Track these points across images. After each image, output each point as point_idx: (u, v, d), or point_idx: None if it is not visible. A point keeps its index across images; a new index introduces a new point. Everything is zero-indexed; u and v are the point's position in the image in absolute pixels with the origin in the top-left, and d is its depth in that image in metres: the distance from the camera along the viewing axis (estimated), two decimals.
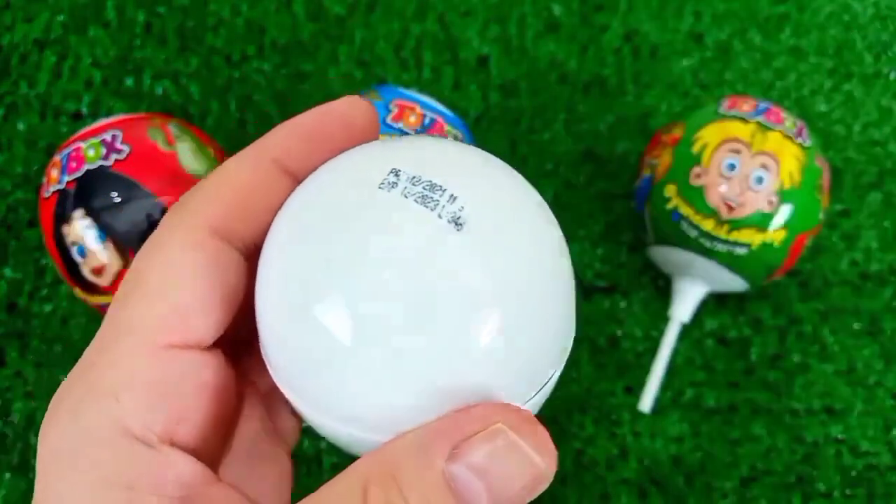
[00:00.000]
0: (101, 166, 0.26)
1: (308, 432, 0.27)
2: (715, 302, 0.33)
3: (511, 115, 0.36)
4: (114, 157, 0.27)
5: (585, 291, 0.33)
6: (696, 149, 0.29)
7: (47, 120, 0.35)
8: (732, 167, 0.28)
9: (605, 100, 0.36)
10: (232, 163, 0.17)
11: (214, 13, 0.36)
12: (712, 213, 0.28)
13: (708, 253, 0.29)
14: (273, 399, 0.20)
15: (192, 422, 0.15)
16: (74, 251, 0.27)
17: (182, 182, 0.27)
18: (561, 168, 0.35)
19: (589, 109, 0.36)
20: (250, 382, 0.19)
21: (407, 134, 0.28)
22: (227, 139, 0.35)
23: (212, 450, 0.16)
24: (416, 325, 0.14)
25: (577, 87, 0.36)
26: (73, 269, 0.27)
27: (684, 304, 0.31)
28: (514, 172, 0.16)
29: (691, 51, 0.37)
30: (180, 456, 0.15)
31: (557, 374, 0.16)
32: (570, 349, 0.17)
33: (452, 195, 0.15)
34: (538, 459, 0.14)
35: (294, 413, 0.18)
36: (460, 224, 0.14)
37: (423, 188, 0.15)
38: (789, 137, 0.28)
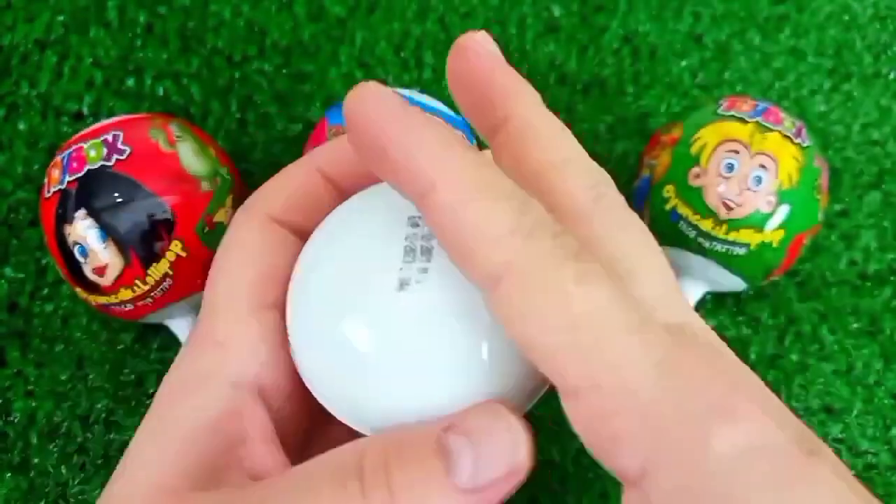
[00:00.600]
0: (102, 166, 0.26)
1: None
2: (713, 301, 0.33)
3: None
4: (115, 157, 0.27)
5: None
6: (694, 149, 0.29)
7: (48, 120, 0.35)
8: (731, 167, 0.28)
9: (604, 100, 0.36)
10: (289, 167, 0.21)
11: (215, 14, 0.37)
12: (711, 214, 0.28)
13: (706, 253, 0.29)
14: None
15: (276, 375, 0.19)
16: (76, 251, 0.27)
17: (183, 182, 0.27)
18: None
19: (588, 110, 0.36)
20: None
21: None
22: (228, 139, 0.35)
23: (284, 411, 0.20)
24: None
25: (576, 87, 0.37)
26: (74, 268, 0.27)
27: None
28: None
29: (690, 51, 0.37)
30: (257, 402, 0.18)
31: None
32: None
33: None
34: (522, 451, 0.15)
35: None
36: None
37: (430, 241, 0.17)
38: (788, 138, 0.28)
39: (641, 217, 0.31)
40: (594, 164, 0.18)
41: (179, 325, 0.29)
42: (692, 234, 0.29)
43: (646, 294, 0.16)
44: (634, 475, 0.14)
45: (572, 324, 0.14)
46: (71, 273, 0.27)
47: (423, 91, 0.31)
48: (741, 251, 0.28)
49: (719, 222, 0.28)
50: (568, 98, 0.36)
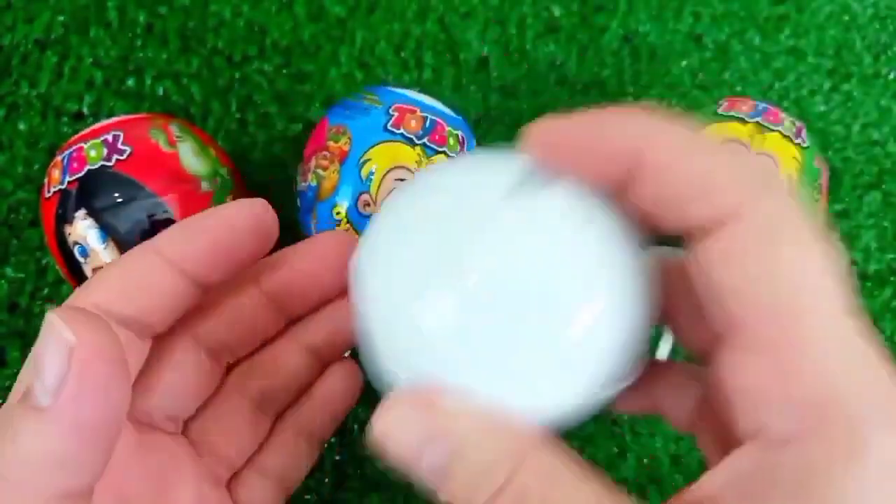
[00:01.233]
0: (102, 166, 0.26)
1: None
2: None
3: (511, 117, 0.36)
4: (115, 157, 0.27)
5: None
6: None
7: (48, 120, 0.35)
8: None
9: (604, 100, 0.36)
10: (124, 255, 0.20)
11: (215, 14, 0.37)
12: None
13: None
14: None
15: None
16: (76, 251, 0.27)
17: (183, 182, 0.27)
18: None
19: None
20: None
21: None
22: (228, 139, 0.35)
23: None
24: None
25: (576, 88, 0.37)
26: (75, 268, 0.27)
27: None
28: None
29: (690, 52, 0.37)
30: None
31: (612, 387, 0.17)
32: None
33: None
34: (63, 330, 0.14)
35: None
36: None
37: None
38: (788, 138, 0.28)
39: None
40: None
41: None
42: None
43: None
44: (781, 435, 0.14)
45: (791, 282, 0.13)
46: (71, 273, 0.27)
47: (422, 91, 0.31)
48: None
49: None
50: (568, 98, 0.36)
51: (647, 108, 0.16)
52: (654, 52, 0.37)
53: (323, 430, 0.24)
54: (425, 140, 0.28)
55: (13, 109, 0.35)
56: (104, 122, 0.28)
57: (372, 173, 0.27)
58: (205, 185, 0.28)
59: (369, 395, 0.22)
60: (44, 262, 0.33)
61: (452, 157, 0.29)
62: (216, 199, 0.28)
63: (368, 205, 0.28)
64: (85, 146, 0.27)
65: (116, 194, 0.26)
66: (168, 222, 0.26)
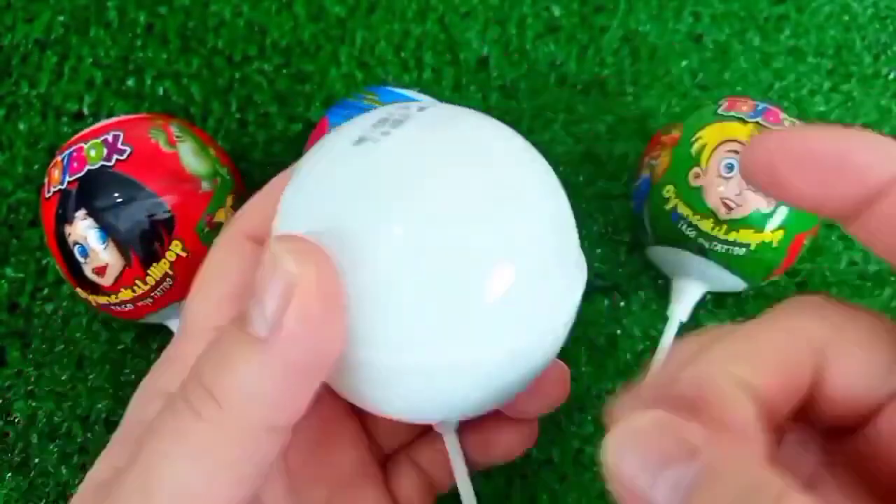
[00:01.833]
0: (102, 166, 0.26)
1: None
2: (713, 301, 0.33)
3: (511, 116, 0.36)
4: (115, 157, 0.27)
5: (585, 291, 0.33)
6: (694, 149, 0.29)
7: (48, 120, 0.35)
8: (731, 168, 0.28)
9: (604, 101, 0.36)
10: (270, 183, 0.20)
11: (216, 14, 0.37)
12: (711, 214, 0.28)
13: (706, 253, 0.29)
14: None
15: None
16: (76, 251, 0.27)
17: (183, 182, 0.27)
18: (560, 168, 0.35)
19: (588, 110, 0.36)
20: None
21: None
22: (228, 139, 0.35)
23: None
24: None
25: (576, 88, 0.37)
26: (75, 268, 0.27)
27: (683, 303, 0.31)
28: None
29: (690, 52, 0.37)
30: None
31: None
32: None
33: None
34: (289, 262, 0.14)
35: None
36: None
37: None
38: None
39: (641, 217, 0.31)
40: None
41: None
42: (692, 234, 0.29)
43: None
44: None
45: None
46: (71, 273, 0.27)
47: (422, 91, 0.31)
48: (741, 251, 0.28)
49: (719, 222, 0.28)
50: (568, 98, 0.36)
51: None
52: (654, 52, 0.37)
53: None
54: None
55: (13, 109, 0.35)
56: (104, 122, 0.28)
57: None
58: (205, 185, 0.28)
59: None
60: (44, 262, 0.33)
61: None
62: (216, 199, 0.28)
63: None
64: (85, 146, 0.27)
65: (116, 194, 0.26)
66: (168, 222, 0.26)
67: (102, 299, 0.28)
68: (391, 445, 0.23)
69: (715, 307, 0.33)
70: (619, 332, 0.33)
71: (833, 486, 0.16)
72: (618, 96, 0.36)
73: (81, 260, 0.27)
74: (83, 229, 0.26)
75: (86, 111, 0.35)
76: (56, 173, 0.27)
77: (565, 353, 0.20)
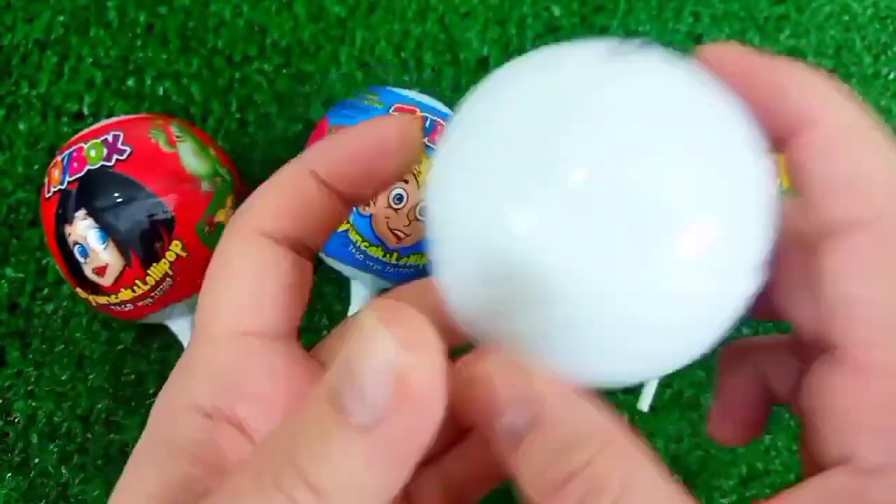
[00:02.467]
0: (102, 166, 0.26)
1: None
2: None
3: None
4: (115, 157, 0.27)
5: None
6: None
7: (49, 120, 0.35)
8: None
9: None
10: (280, 172, 0.19)
11: (216, 14, 0.37)
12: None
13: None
14: None
15: (256, 400, 0.17)
16: (76, 251, 0.27)
17: (183, 182, 0.27)
18: None
19: None
20: None
21: None
22: (228, 139, 0.35)
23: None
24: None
25: None
26: (75, 268, 0.27)
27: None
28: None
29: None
30: (235, 432, 0.16)
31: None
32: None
33: None
34: (401, 353, 0.13)
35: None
36: None
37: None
38: None
39: None
40: None
41: (180, 326, 0.29)
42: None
43: None
44: (872, 464, 0.13)
45: None
46: (71, 273, 0.27)
47: (422, 91, 0.31)
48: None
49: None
50: None
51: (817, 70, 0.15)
52: None
53: None
54: (425, 140, 0.28)
55: (13, 109, 0.35)
56: (104, 122, 0.28)
57: None
58: (205, 185, 0.28)
59: None
60: (44, 262, 0.33)
61: None
62: (216, 199, 0.28)
63: (368, 205, 0.28)
64: (85, 146, 0.27)
65: (116, 194, 0.26)
66: (168, 222, 0.26)
67: (102, 299, 0.28)
68: None
69: None
70: None
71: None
72: None
73: (81, 260, 0.27)
74: (83, 229, 0.26)
75: (86, 111, 0.35)
76: (56, 173, 0.27)
77: None
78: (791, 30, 0.38)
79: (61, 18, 0.36)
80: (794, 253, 0.16)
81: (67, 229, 0.27)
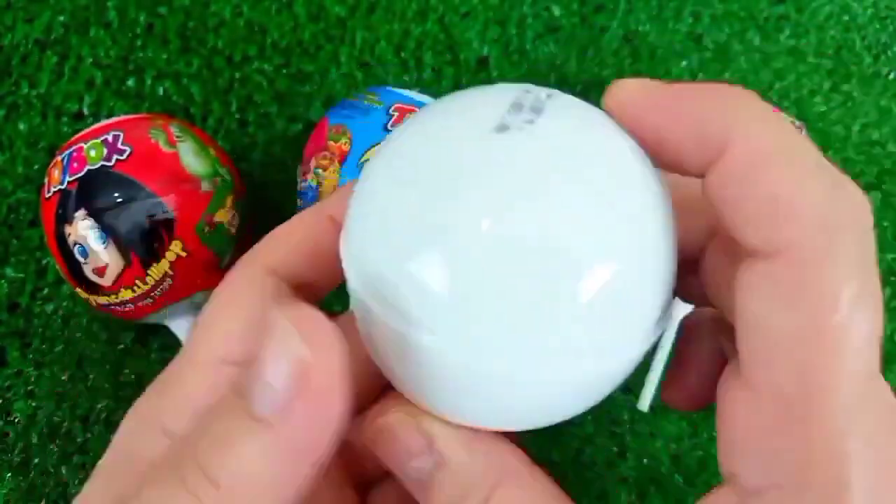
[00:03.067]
0: (102, 166, 0.26)
1: None
2: None
3: None
4: (115, 157, 0.27)
5: None
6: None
7: (49, 120, 0.35)
8: None
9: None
10: (298, 215, 0.20)
11: (216, 14, 0.37)
12: None
13: None
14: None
15: None
16: (76, 251, 0.27)
17: (183, 182, 0.27)
18: None
19: None
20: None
21: None
22: (228, 140, 0.35)
23: None
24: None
25: (576, 87, 0.37)
26: (75, 269, 0.27)
27: (683, 302, 0.31)
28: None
29: (690, 52, 0.37)
30: None
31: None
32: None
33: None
34: (300, 345, 0.13)
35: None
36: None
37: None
38: None
39: None
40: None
41: (179, 326, 0.29)
42: None
43: None
44: (752, 486, 0.14)
45: (827, 330, 0.13)
46: (71, 273, 0.27)
47: (422, 91, 0.31)
48: None
49: None
50: None
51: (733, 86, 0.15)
52: (654, 52, 0.37)
53: None
54: None
55: (13, 109, 0.35)
56: (104, 122, 0.28)
57: None
58: (205, 185, 0.28)
59: None
60: (44, 262, 0.33)
61: None
62: (216, 199, 0.28)
63: None
64: (85, 146, 0.27)
65: (116, 194, 0.26)
66: (168, 222, 0.26)
67: (102, 299, 0.28)
68: None
69: None
70: None
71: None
72: None
73: (81, 260, 0.27)
74: (83, 229, 0.26)
75: (86, 111, 0.35)
76: (56, 173, 0.27)
77: None
78: (791, 30, 0.38)
79: (61, 18, 0.36)
80: (724, 254, 0.16)
81: (67, 229, 0.27)
